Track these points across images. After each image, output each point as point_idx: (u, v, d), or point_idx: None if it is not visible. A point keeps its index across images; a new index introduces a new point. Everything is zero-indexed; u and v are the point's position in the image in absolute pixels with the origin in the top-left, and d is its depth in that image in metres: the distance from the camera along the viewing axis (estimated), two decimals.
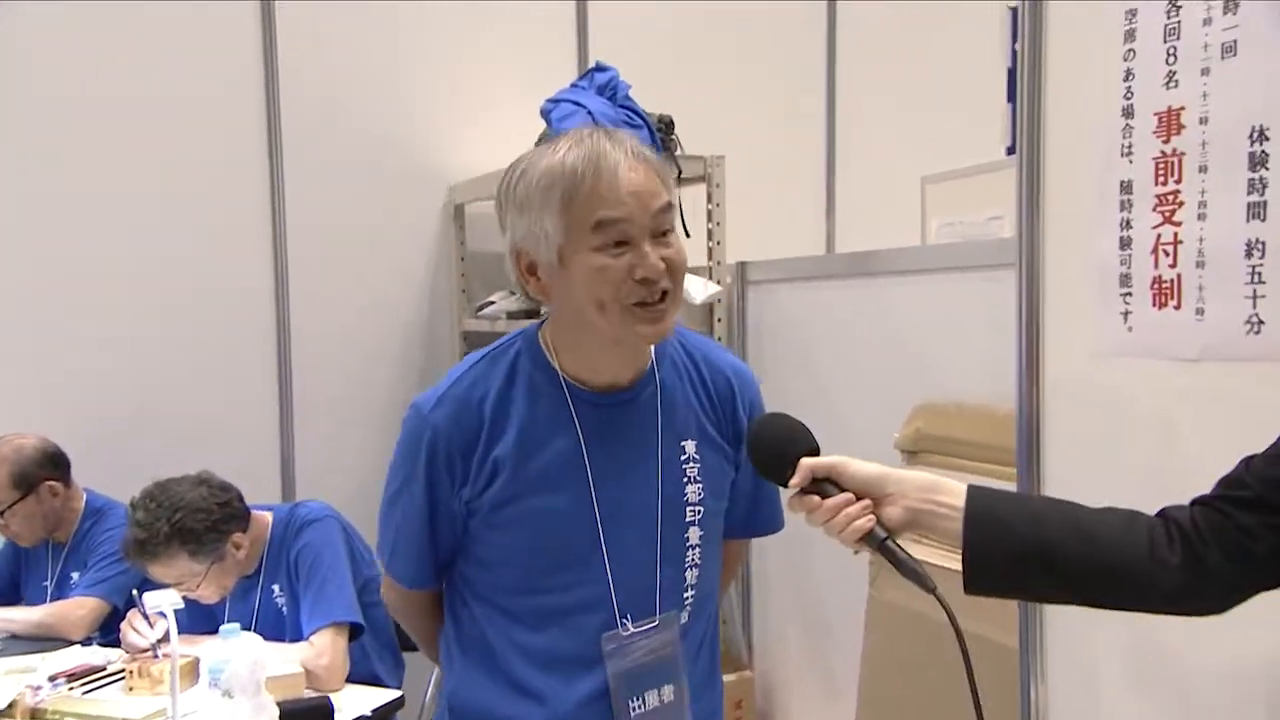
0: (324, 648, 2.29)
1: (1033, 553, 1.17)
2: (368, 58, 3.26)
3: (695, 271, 2.96)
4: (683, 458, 1.50)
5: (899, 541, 1.23)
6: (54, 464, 2.73)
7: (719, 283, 2.94)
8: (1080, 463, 1.73)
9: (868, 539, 1.22)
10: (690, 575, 1.52)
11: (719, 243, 2.95)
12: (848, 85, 3.95)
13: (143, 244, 3.02)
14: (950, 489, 1.23)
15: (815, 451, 1.28)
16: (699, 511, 1.51)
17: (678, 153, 2.90)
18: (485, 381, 1.46)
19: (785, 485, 1.27)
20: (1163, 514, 1.18)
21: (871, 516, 1.23)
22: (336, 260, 3.25)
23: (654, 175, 1.37)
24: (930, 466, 2.36)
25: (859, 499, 1.23)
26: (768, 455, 1.31)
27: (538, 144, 2.85)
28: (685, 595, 1.52)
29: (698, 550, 1.52)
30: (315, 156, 3.20)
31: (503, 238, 1.44)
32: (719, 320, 2.96)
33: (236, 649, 2.04)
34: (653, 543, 1.48)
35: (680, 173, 2.88)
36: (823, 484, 1.25)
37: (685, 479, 1.49)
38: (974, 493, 1.22)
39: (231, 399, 3.14)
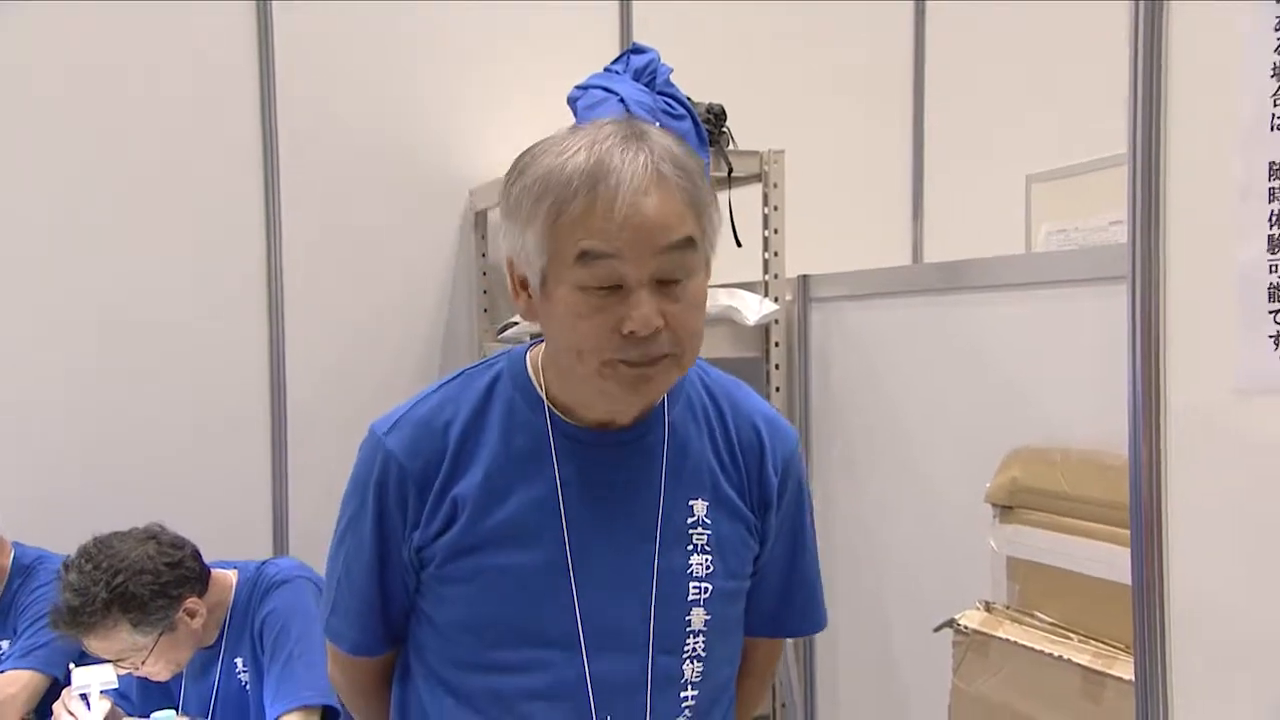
0: None
1: None
2: (372, 51, 3.13)
3: (749, 287, 2.76)
4: (689, 520, 1.30)
5: None
6: None
7: (776, 300, 2.73)
8: (1214, 531, 1.49)
9: None
10: (690, 669, 1.30)
11: (776, 253, 2.75)
12: (938, 67, 3.70)
13: (114, 262, 2.90)
14: None
15: None
16: (705, 589, 1.30)
17: (729, 147, 2.69)
18: (455, 404, 1.31)
19: None
20: None
21: None
22: (339, 279, 3.11)
23: (674, 200, 1.16)
24: (1028, 525, 2.09)
25: None
26: None
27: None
28: (684, 696, 1.30)
29: (701, 639, 1.30)
30: (314, 163, 3.06)
31: None
32: (776, 344, 2.75)
33: None
34: (643, 622, 1.27)
35: (731, 170, 2.69)
36: None
37: (690, 546, 1.29)
38: None
39: (213, 437, 2.98)
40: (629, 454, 1.29)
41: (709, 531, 1.30)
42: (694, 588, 1.30)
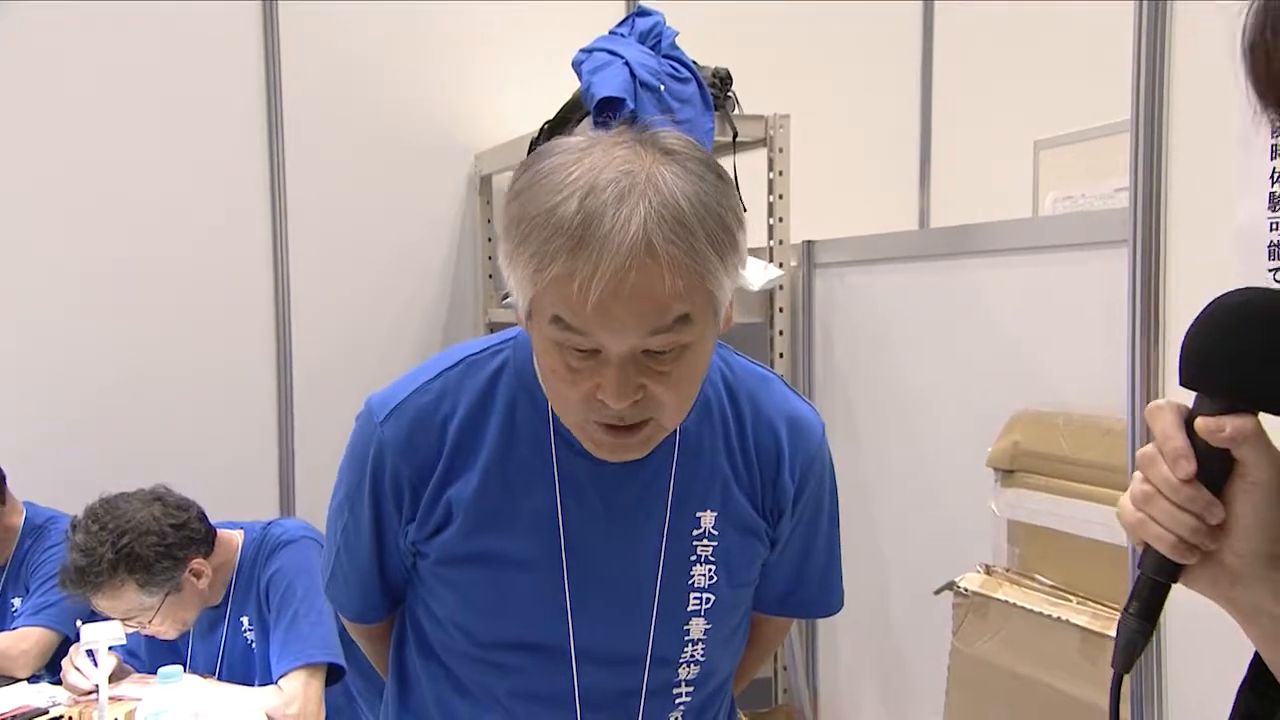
0: (294, 694, 2.09)
1: None
2: (378, 14, 3.10)
3: (753, 253, 2.72)
4: (695, 532, 1.23)
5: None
6: None
7: (780, 265, 2.69)
8: None
9: (1154, 558, 0.82)
10: (687, 672, 1.27)
11: (781, 218, 2.70)
12: (947, 32, 3.64)
13: (124, 229, 2.91)
14: None
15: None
16: (707, 600, 1.25)
17: (735, 112, 2.66)
18: (455, 395, 1.21)
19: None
20: None
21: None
22: (343, 243, 3.10)
23: (662, 279, 0.99)
24: (1028, 489, 2.08)
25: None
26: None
27: (566, 111, 2.71)
28: (678, 699, 1.28)
29: (700, 646, 1.26)
30: (319, 127, 3.06)
31: None
32: (780, 310, 2.71)
33: (174, 697, 1.87)
34: (641, 637, 1.23)
35: (736, 135, 2.65)
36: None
37: (693, 558, 1.23)
38: None
39: (221, 401, 3.00)
40: (636, 469, 1.20)
41: (715, 543, 1.24)
42: (695, 598, 1.24)
